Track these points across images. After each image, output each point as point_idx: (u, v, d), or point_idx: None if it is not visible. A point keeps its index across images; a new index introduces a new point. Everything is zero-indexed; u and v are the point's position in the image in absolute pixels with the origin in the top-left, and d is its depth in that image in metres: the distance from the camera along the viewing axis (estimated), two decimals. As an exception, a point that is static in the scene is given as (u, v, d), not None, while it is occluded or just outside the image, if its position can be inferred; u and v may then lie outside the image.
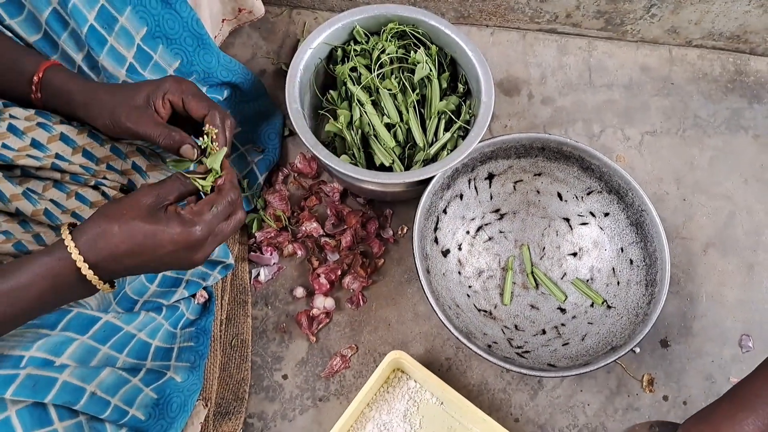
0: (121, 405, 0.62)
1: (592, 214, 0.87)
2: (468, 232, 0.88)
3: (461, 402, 0.76)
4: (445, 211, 0.85)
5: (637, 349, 0.85)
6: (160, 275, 0.75)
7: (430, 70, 0.84)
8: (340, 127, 0.83)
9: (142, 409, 0.64)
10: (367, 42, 0.86)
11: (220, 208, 0.56)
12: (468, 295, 0.85)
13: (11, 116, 0.64)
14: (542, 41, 1.03)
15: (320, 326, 0.84)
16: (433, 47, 0.85)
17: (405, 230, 0.90)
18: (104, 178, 0.69)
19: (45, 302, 0.53)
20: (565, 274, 0.87)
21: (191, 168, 0.61)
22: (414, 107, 0.84)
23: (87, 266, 0.52)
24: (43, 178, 0.66)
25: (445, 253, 0.86)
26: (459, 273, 0.86)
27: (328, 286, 0.84)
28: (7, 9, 0.67)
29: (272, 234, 0.86)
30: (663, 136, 0.98)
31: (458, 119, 0.84)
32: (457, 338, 0.72)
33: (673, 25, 1.00)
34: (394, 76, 0.84)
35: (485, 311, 0.84)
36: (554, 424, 0.81)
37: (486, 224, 0.89)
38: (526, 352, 0.80)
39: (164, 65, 0.76)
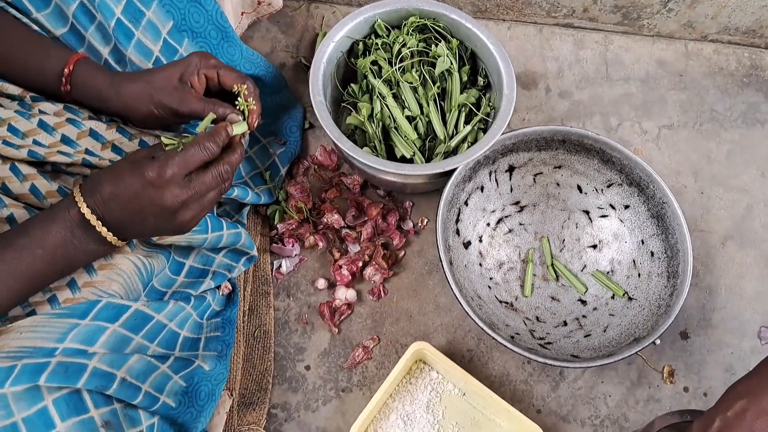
0: (151, 391, 0.62)
1: (612, 207, 0.87)
2: (489, 224, 0.88)
3: (484, 393, 0.76)
4: (466, 203, 0.86)
5: (658, 341, 0.85)
6: (187, 266, 0.75)
7: (451, 64, 0.84)
8: (362, 119, 0.84)
9: (172, 396, 0.64)
10: (388, 35, 0.86)
11: (193, 155, 0.56)
12: (489, 287, 0.85)
13: (41, 111, 0.65)
14: (559, 35, 1.03)
15: (342, 317, 0.84)
16: (454, 41, 0.86)
17: (425, 222, 0.90)
18: None
19: (61, 257, 0.56)
20: (585, 266, 0.88)
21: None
22: (434, 100, 0.85)
23: (89, 210, 0.55)
24: (73, 174, 0.66)
25: (467, 244, 0.86)
26: (480, 265, 0.86)
27: (350, 278, 0.85)
28: (35, 2, 0.67)
29: (294, 225, 0.87)
30: (680, 129, 0.98)
31: (478, 112, 0.85)
32: (482, 329, 0.73)
33: (690, 20, 1.00)
34: (414, 69, 0.85)
35: (507, 303, 0.85)
36: (576, 415, 0.82)
37: (506, 216, 0.89)
38: (549, 343, 0.80)
39: None
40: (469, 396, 0.80)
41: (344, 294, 0.84)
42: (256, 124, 0.67)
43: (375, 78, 0.84)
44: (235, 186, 0.78)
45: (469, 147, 0.83)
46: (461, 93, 0.85)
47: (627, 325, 0.80)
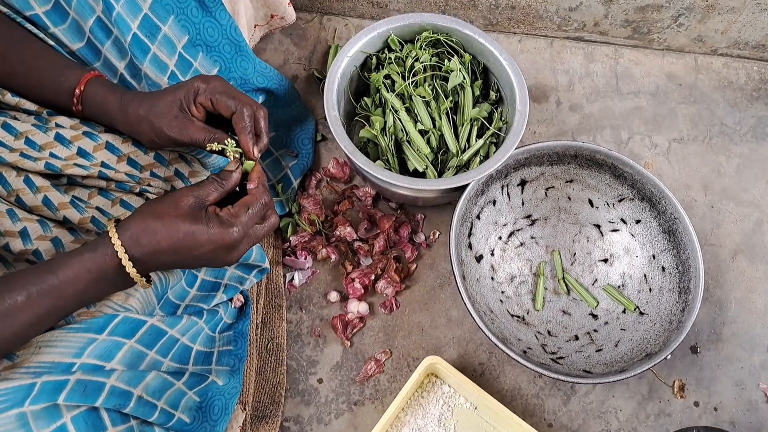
0: (167, 408, 0.62)
1: (623, 221, 0.87)
2: (500, 238, 0.89)
3: (496, 407, 0.76)
4: (478, 217, 0.86)
5: (669, 356, 0.85)
6: (199, 279, 0.75)
7: (464, 78, 0.84)
8: (375, 133, 0.84)
9: (186, 412, 0.65)
10: (401, 50, 0.87)
11: (255, 210, 0.58)
12: (501, 301, 0.85)
13: (57, 125, 0.65)
14: (569, 49, 1.04)
15: (354, 331, 0.85)
16: (467, 55, 0.86)
17: (437, 235, 0.90)
18: (148, 185, 0.69)
19: (87, 296, 0.55)
20: (596, 280, 0.88)
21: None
22: (447, 114, 0.85)
23: (131, 263, 0.54)
24: (88, 186, 0.67)
25: (479, 258, 0.86)
26: (492, 278, 0.86)
27: (362, 291, 0.85)
28: (52, 17, 0.67)
29: (307, 238, 0.87)
30: (690, 143, 0.99)
31: (490, 126, 0.85)
32: (495, 344, 0.73)
33: (700, 34, 1.01)
34: (427, 83, 0.85)
35: (518, 317, 0.85)
36: (587, 429, 0.82)
37: (518, 230, 0.89)
38: (561, 358, 0.80)
39: (203, 72, 0.77)
40: (481, 410, 0.80)
41: (356, 307, 0.85)
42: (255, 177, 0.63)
43: (388, 92, 0.84)
44: None
45: (481, 161, 0.83)
46: (473, 107, 0.86)
47: (638, 340, 0.80)
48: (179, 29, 0.73)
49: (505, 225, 0.89)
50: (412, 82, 0.84)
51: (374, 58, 0.87)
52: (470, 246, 0.85)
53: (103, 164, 0.66)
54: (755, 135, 1.00)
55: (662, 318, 0.81)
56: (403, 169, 0.86)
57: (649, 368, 0.74)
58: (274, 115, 0.90)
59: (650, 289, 0.84)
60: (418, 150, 0.84)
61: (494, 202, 0.87)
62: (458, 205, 0.78)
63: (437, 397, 0.81)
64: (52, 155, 0.63)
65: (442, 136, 0.85)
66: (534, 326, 0.85)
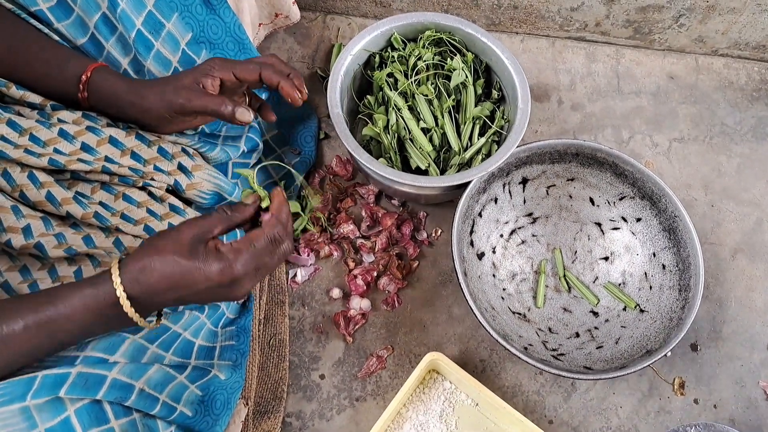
0: (169, 401, 0.62)
1: (624, 219, 0.88)
2: (502, 236, 0.89)
3: (497, 403, 0.77)
4: (480, 215, 0.87)
5: (669, 353, 0.86)
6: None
7: (466, 77, 0.85)
8: (378, 131, 0.85)
9: (188, 406, 0.65)
10: (404, 49, 0.87)
11: (261, 245, 0.53)
12: (502, 298, 0.86)
13: (60, 120, 0.66)
14: (571, 48, 1.05)
15: (356, 327, 0.85)
16: (469, 54, 0.87)
17: (439, 233, 0.91)
18: (151, 179, 0.70)
19: (85, 331, 0.53)
20: (597, 277, 0.88)
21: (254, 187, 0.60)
22: (449, 112, 0.86)
23: (128, 303, 0.52)
24: (91, 181, 0.67)
25: (480, 256, 0.87)
26: (493, 276, 0.87)
27: (365, 288, 0.85)
28: (56, 13, 0.68)
29: (313, 237, 0.88)
30: (691, 142, 0.99)
31: (492, 124, 0.86)
32: (497, 340, 0.73)
33: (700, 35, 1.01)
34: (430, 82, 0.86)
35: (519, 314, 0.86)
36: (588, 426, 0.82)
37: (519, 228, 0.90)
38: (561, 354, 0.81)
39: None
40: (482, 406, 0.81)
41: (359, 303, 0.85)
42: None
43: (391, 90, 0.85)
44: None
45: (483, 159, 0.84)
46: (476, 106, 0.86)
47: (639, 337, 0.81)
48: (183, 26, 0.74)
49: (506, 223, 0.90)
50: (415, 80, 0.85)
51: (377, 56, 0.88)
52: (472, 243, 0.86)
53: (107, 159, 0.66)
54: (755, 135, 1.00)
55: (662, 315, 0.81)
56: (406, 167, 0.86)
57: (648, 365, 0.75)
58: (277, 112, 0.90)
59: (650, 287, 0.84)
60: (420, 148, 0.84)
61: (496, 200, 0.88)
62: (460, 203, 0.79)
63: (438, 393, 0.81)
64: (55, 151, 0.63)
65: (444, 134, 0.85)
66: (535, 323, 0.85)
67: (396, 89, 0.85)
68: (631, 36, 1.03)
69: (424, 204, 0.93)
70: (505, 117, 0.87)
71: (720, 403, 0.85)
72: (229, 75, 0.65)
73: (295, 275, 0.87)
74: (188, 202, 0.75)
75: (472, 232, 0.86)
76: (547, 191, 0.90)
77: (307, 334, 0.85)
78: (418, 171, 0.85)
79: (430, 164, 0.84)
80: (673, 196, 0.81)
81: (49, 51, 0.66)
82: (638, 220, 0.87)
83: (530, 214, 0.90)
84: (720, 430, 0.76)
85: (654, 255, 0.85)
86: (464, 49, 0.88)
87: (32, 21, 0.66)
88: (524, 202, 0.90)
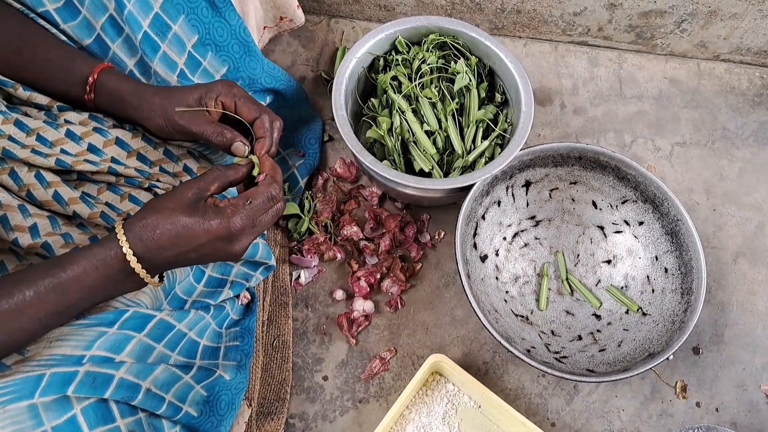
0: (175, 401, 0.63)
1: (627, 223, 0.88)
2: (505, 238, 0.89)
3: (500, 405, 0.77)
4: (483, 217, 0.87)
5: (671, 356, 0.86)
6: (206, 275, 0.76)
7: (470, 80, 0.86)
8: (382, 133, 0.85)
9: (194, 406, 0.65)
10: (408, 52, 0.88)
11: (259, 201, 0.57)
12: (505, 300, 0.86)
13: (66, 121, 0.66)
14: (573, 53, 1.05)
15: (360, 329, 0.85)
16: (473, 58, 0.87)
17: (442, 235, 0.91)
18: (157, 180, 0.70)
19: (94, 293, 0.55)
20: (599, 281, 0.89)
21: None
22: (453, 115, 0.86)
23: (135, 258, 0.54)
24: (97, 182, 0.67)
25: (483, 258, 0.87)
26: (496, 278, 0.87)
27: (368, 289, 0.86)
28: (63, 14, 0.68)
29: (318, 241, 0.88)
30: (692, 147, 1.00)
31: (495, 127, 0.86)
32: (500, 342, 0.74)
33: (702, 40, 1.02)
34: (433, 85, 0.86)
35: (522, 316, 0.86)
36: (590, 428, 0.83)
37: (522, 231, 0.90)
38: (564, 357, 0.81)
39: (212, 71, 0.78)
40: (485, 408, 0.81)
41: (362, 305, 0.85)
42: (264, 174, 0.64)
43: (395, 93, 0.86)
44: None
45: (486, 162, 0.84)
46: (479, 109, 0.87)
47: (641, 340, 0.81)
48: (189, 29, 0.74)
49: (509, 225, 0.90)
50: (419, 83, 0.85)
51: (381, 59, 0.88)
52: (475, 246, 0.86)
53: (113, 160, 0.66)
54: (757, 140, 1.01)
55: (665, 319, 0.81)
56: (409, 170, 0.87)
57: (651, 368, 0.75)
58: (281, 115, 0.90)
59: (653, 290, 0.85)
60: (424, 150, 0.85)
61: (499, 203, 0.88)
62: (464, 205, 0.79)
63: (441, 395, 0.82)
64: (62, 151, 0.64)
65: (448, 137, 0.86)
66: (538, 326, 0.86)
67: (400, 92, 0.86)
68: (634, 41, 1.04)
69: (427, 206, 0.93)
70: (508, 120, 0.87)
71: (722, 406, 0.85)
72: (231, 105, 0.66)
73: (299, 277, 0.87)
74: None
75: (475, 234, 0.86)
76: (549, 194, 0.90)
77: (310, 335, 0.86)
78: (422, 173, 0.85)
79: (434, 167, 0.85)
80: (676, 199, 0.81)
81: (56, 51, 0.67)
82: (641, 223, 0.87)
83: (533, 217, 0.91)
84: (722, 434, 0.77)
85: (656, 258, 0.86)
86: (468, 53, 0.88)
87: (39, 21, 0.67)
88: (527, 205, 0.90)
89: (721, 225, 0.95)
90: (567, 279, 0.89)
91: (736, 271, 0.92)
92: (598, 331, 0.85)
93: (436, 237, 0.91)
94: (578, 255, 0.90)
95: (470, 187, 0.80)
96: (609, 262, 0.89)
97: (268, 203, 0.58)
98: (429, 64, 0.85)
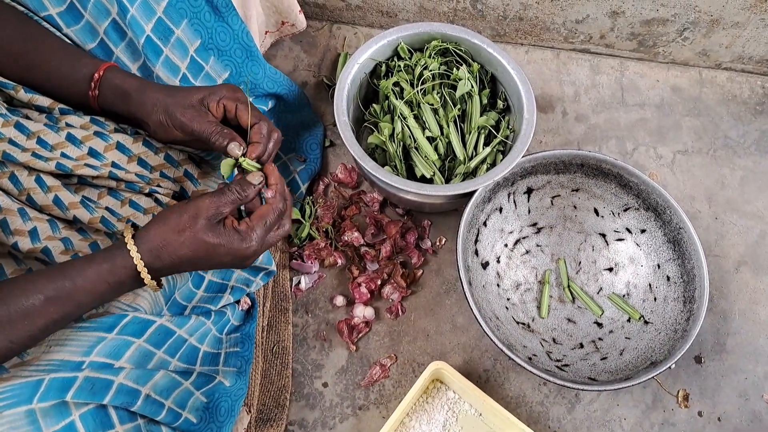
0: (174, 408, 0.62)
1: (629, 231, 0.88)
2: (506, 245, 0.89)
3: (501, 413, 0.76)
4: (485, 224, 0.87)
5: (673, 365, 0.86)
6: (206, 281, 0.76)
7: (472, 87, 0.86)
8: (383, 139, 0.85)
9: (193, 413, 0.65)
10: (410, 58, 0.88)
11: (271, 221, 0.60)
12: (506, 308, 0.86)
13: (67, 124, 0.66)
14: (575, 60, 1.05)
15: (360, 335, 0.85)
16: (475, 64, 0.87)
17: (443, 241, 0.91)
18: (158, 185, 0.70)
19: (101, 301, 0.57)
20: (601, 288, 0.88)
21: (235, 173, 0.64)
22: (455, 122, 0.86)
23: (150, 276, 0.56)
24: (98, 186, 0.67)
25: (485, 265, 0.87)
26: (498, 285, 0.87)
27: (369, 296, 0.85)
28: (66, 18, 0.68)
29: (319, 246, 0.88)
30: (694, 155, 1.00)
31: (497, 134, 0.86)
32: (502, 350, 0.73)
33: (704, 48, 1.02)
34: (435, 91, 0.86)
35: (523, 324, 0.86)
36: (591, 437, 0.82)
37: (523, 237, 0.90)
38: (566, 365, 0.80)
39: (215, 76, 0.78)
40: (486, 416, 0.80)
41: (362, 312, 0.85)
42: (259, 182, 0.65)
43: (397, 99, 0.85)
44: None
45: (488, 168, 0.84)
46: (481, 115, 0.87)
47: (643, 348, 0.81)
48: (192, 33, 0.74)
49: (511, 232, 0.90)
50: (421, 89, 0.85)
51: (384, 65, 0.88)
52: (476, 253, 0.86)
53: (114, 164, 0.66)
54: (759, 148, 1.01)
55: (667, 327, 0.81)
56: (411, 176, 0.87)
57: (653, 377, 0.74)
58: (283, 119, 0.91)
59: (655, 299, 0.84)
60: (425, 156, 0.84)
61: (501, 210, 0.88)
62: (465, 212, 0.79)
63: (442, 402, 0.81)
64: (63, 155, 0.64)
65: (449, 144, 0.86)
66: (539, 333, 0.85)
67: (402, 98, 0.85)
68: (636, 49, 1.04)
69: (429, 213, 0.93)
70: (510, 127, 0.87)
71: (724, 415, 0.84)
72: (231, 109, 0.66)
73: (299, 282, 0.87)
74: None
75: (476, 241, 0.86)
76: (551, 201, 0.90)
77: (310, 341, 0.85)
78: (423, 179, 0.85)
79: (435, 173, 0.84)
80: (678, 207, 0.81)
81: (61, 51, 0.66)
82: (643, 231, 0.87)
83: (535, 224, 0.91)
84: (725, 444, 0.76)
85: (658, 266, 0.85)
86: (470, 60, 0.88)
87: (44, 23, 0.67)
88: (529, 212, 0.90)
89: (723, 233, 0.95)
90: (568, 286, 0.88)
91: (738, 279, 0.92)
92: (600, 339, 0.84)
93: (438, 243, 0.91)
94: (580, 262, 0.90)
95: (472, 193, 0.79)
96: (611, 269, 0.89)
97: (278, 220, 0.61)
98: (431, 71, 0.85)
